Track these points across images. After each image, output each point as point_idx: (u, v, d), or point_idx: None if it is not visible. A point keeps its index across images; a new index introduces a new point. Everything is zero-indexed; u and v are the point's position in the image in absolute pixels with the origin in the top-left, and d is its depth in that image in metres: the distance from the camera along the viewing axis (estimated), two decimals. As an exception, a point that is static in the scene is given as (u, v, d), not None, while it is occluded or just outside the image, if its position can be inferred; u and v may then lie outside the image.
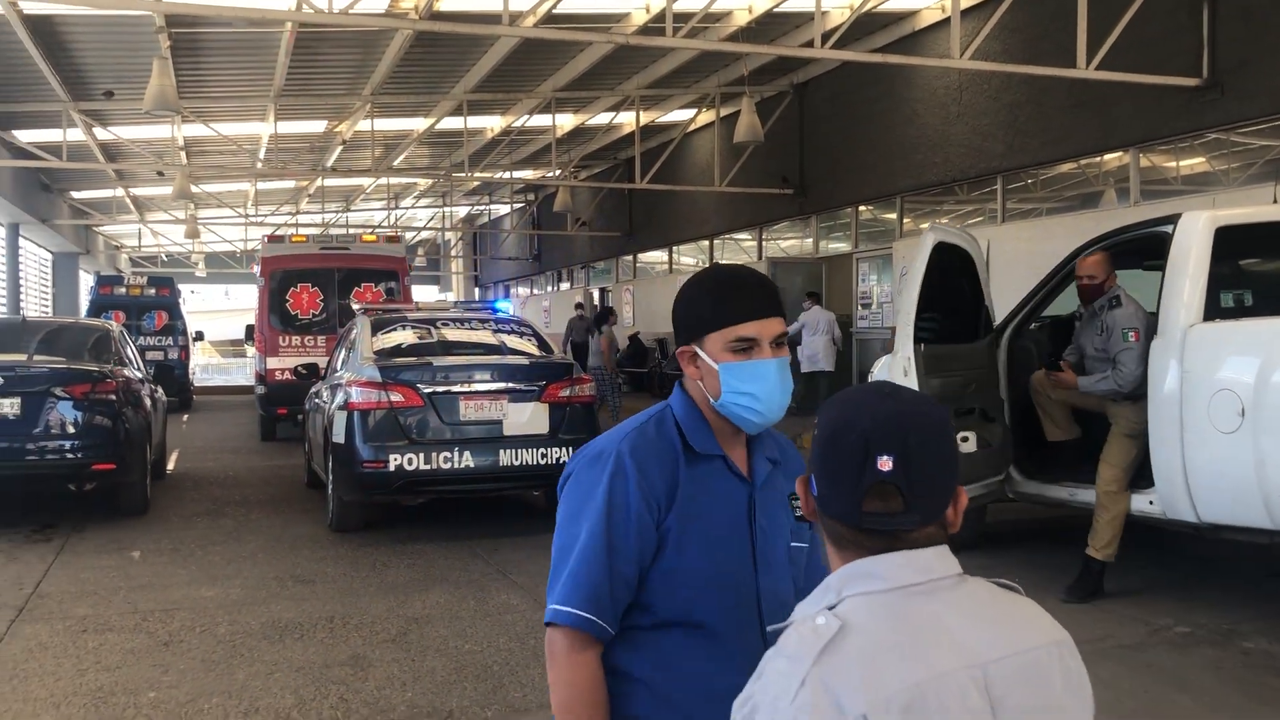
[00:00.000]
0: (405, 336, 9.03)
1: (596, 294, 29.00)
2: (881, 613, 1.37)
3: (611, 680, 1.92)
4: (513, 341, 9.21)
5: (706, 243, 22.96)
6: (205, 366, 35.53)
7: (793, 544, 2.02)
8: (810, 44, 10.28)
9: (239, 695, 4.90)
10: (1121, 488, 6.20)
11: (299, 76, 15.86)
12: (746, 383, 1.91)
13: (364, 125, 18.73)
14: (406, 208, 32.73)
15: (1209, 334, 5.73)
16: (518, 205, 33.64)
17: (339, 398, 8.36)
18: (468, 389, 8.15)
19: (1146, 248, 6.61)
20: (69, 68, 14.74)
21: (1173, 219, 6.13)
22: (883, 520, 1.39)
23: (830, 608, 1.38)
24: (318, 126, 20.23)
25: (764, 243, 20.97)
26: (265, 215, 28.56)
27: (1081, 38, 10.61)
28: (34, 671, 5.26)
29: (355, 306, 10.79)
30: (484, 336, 9.25)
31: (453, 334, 9.20)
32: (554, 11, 12.15)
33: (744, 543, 1.94)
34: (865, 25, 14.66)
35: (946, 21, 14.88)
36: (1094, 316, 6.42)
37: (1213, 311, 5.89)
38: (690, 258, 23.29)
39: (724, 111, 19.22)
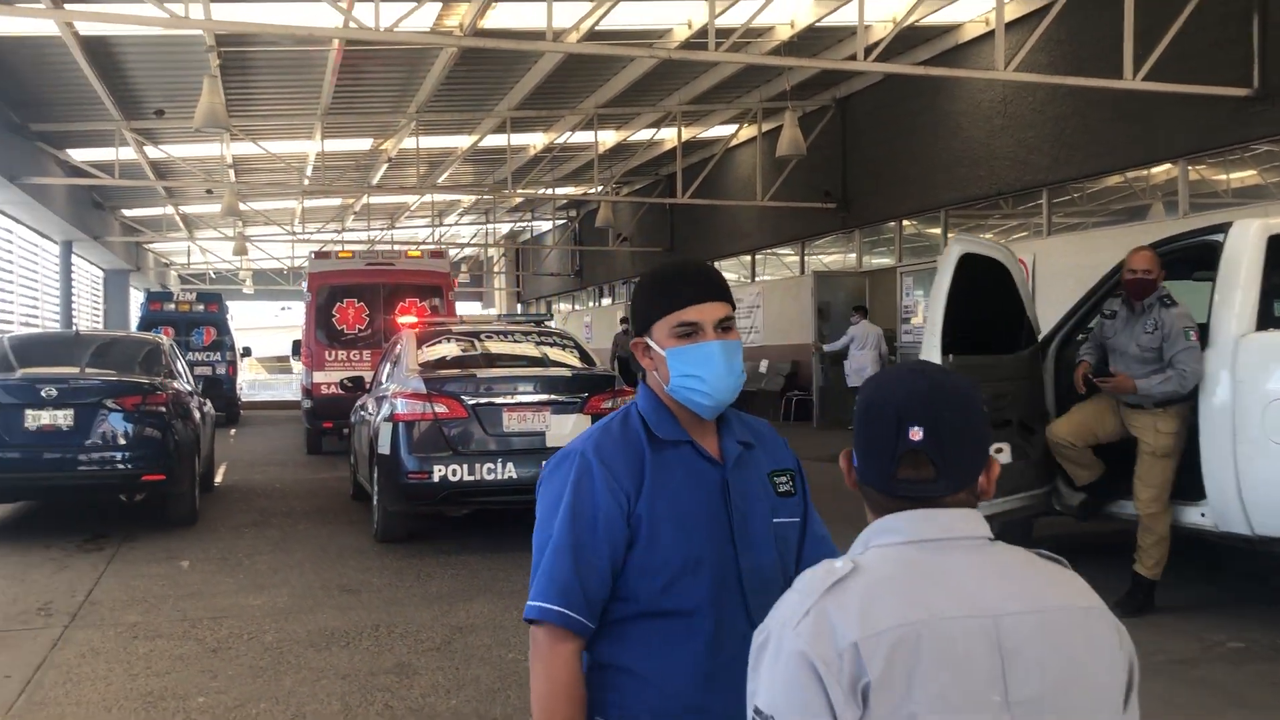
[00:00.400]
0: (449, 349, 9.10)
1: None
2: (893, 560, 1.47)
3: (604, 674, 1.97)
4: (555, 354, 9.26)
5: (748, 257, 22.95)
6: (252, 382, 35.97)
7: (777, 520, 2.05)
8: (853, 57, 10.25)
9: (285, 701, 4.95)
10: (1162, 506, 6.07)
11: (345, 95, 16.09)
12: (692, 366, 1.97)
13: (408, 144, 18.94)
14: (450, 225, 33.01)
15: (1263, 343, 5.65)
16: (560, 221, 33.82)
17: (385, 409, 8.43)
18: (511, 400, 8.19)
19: (1195, 257, 6.53)
20: (121, 87, 15.05)
21: (1223, 227, 6.05)
22: (915, 487, 1.49)
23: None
24: (363, 144, 20.49)
25: (806, 257, 20.93)
26: (312, 232, 28.92)
27: (1129, 49, 10.52)
28: (86, 676, 5.35)
29: (401, 320, 10.88)
30: (527, 349, 9.29)
31: (496, 346, 9.26)
32: (596, 28, 12.23)
33: (721, 524, 1.99)
34: (908, 39, 14.63)
35: (990, 35, 14.82)
36: (1141, 314, 6.10)
37: (1266, 321, 5.80)
38: (732, 273, 23.26)
39: (766, 126, 19.24)
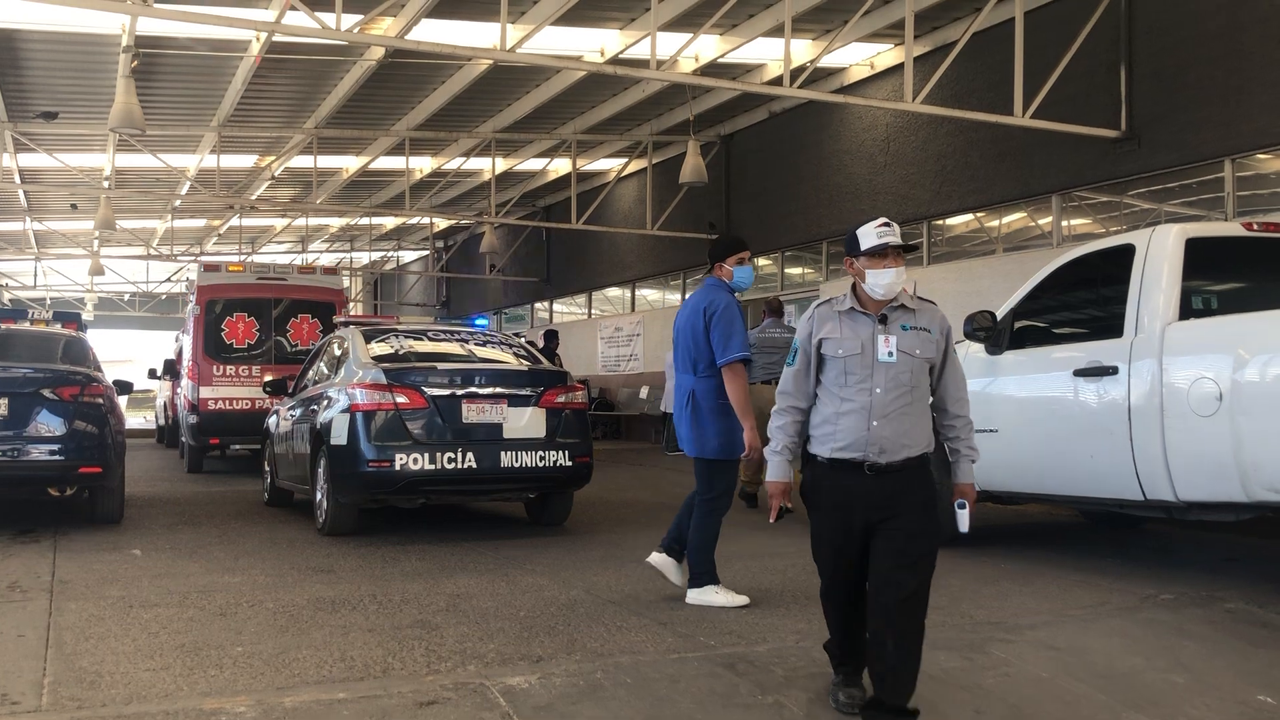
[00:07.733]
0: (397, 345, 9.23)
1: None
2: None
3: None
4: (501, 353, 9.51)
5: (628, 291, 23.51)
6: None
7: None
8: (779, 81, 10.94)
9: (325, 649, 5.06)
10: None
11: (247, 105, 15.95)
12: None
13: (301, 161, 18.78)
14: (316, 252, 32.54)
15: (1186, 331, 6.43)
16: (424, 252, 33.69)
17: (341, 401, 8.50)
18: (469, 392, 8.41)
19: (1113, 261, 7.29)
20: (14, 86, 14.56)
21: (1144, 234, 6.85)
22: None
23: None
24: (247, 161, 20.20)
25: (688, 287, 21.63)
26: (177, 253, 28.08)
27: (1019, 89, 11.56)
28: (105, 634, 5.33)
29: (338, 320, 10.92)
30: (473, 348, 9.51)
31: (444, 345, 9.44)
32: (518, 50, 12.59)
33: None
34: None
35: (873, 79, 15.93)
36: None
37: (1186, 312, 6.59)
38: (603, 307, 23.71)
39: (656, 159, 19.93)
